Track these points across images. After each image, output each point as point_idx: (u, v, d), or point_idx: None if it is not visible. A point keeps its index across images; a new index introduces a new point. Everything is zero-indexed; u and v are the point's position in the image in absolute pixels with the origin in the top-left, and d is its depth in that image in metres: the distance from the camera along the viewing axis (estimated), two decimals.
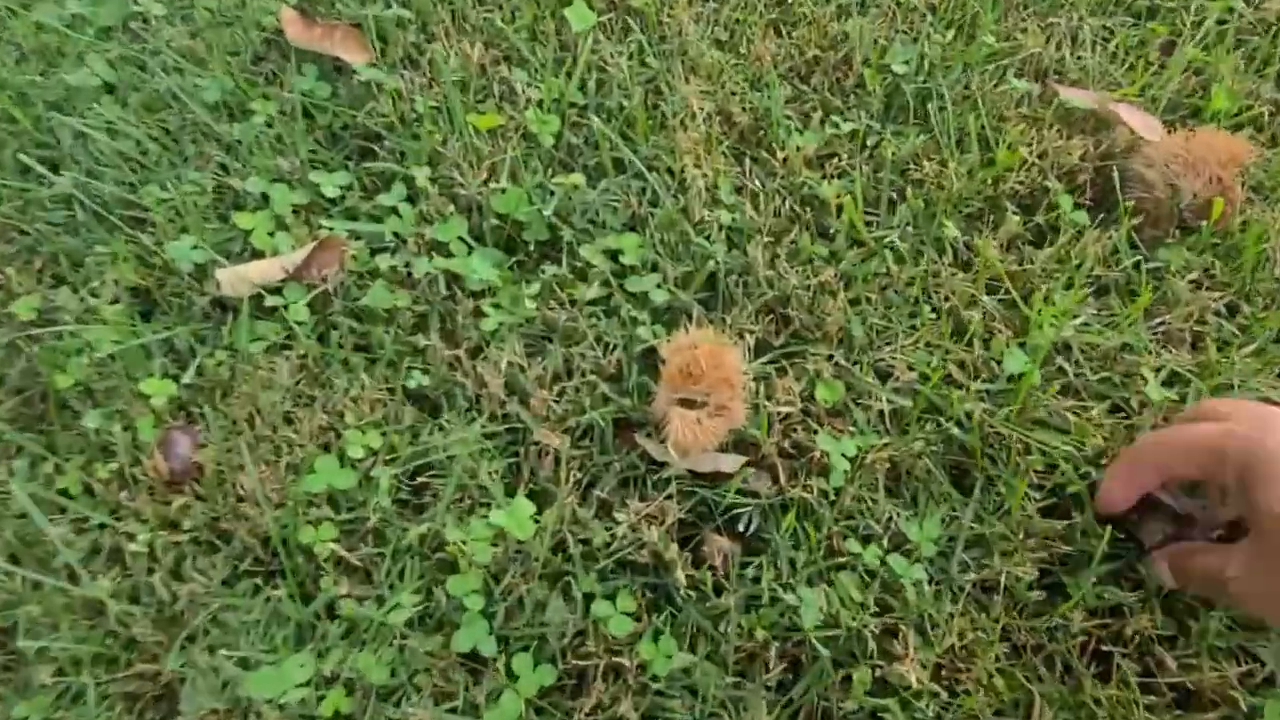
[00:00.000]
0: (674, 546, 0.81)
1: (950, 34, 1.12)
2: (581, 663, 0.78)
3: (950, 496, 0.85)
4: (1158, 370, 0.89)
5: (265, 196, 1.05)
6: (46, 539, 0.83)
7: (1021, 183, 1.00)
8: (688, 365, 0.81)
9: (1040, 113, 1.06)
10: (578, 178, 1.02)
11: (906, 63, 1.09)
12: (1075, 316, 0.91)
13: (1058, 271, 0.95)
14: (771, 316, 0.94)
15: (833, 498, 0.84)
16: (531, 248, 1.00)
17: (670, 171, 1.03)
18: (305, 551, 0.82)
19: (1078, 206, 0.99)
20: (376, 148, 1.08)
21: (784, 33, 1.15)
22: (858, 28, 1.11)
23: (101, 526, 0.84)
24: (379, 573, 0.82)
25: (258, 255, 1.00)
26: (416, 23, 1.17)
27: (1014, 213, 0.99)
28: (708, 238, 0.97)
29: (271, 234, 1.01)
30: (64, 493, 0.88)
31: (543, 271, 0.97)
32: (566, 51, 1.15)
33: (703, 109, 1.07)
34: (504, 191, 1.02)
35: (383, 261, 0.98)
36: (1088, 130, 1.06)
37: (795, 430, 0.87)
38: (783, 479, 0.85)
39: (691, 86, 1.09)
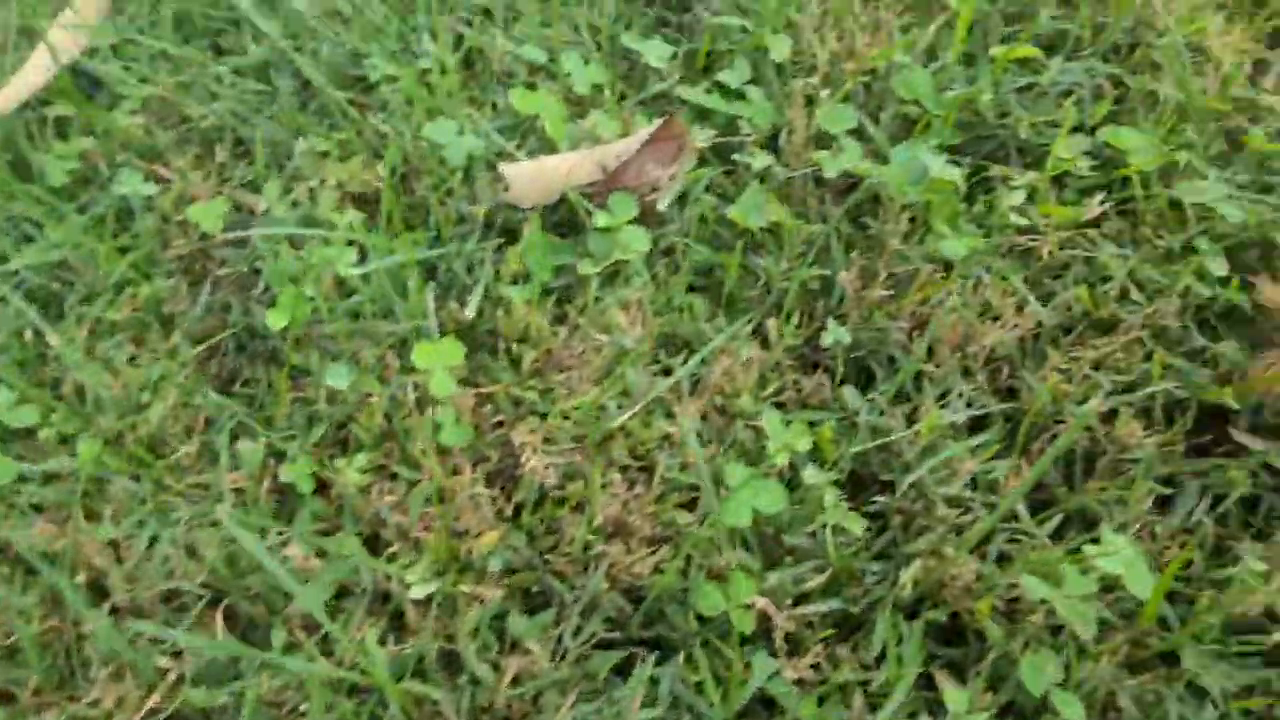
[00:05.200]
0: None
1: None
2: None
3: None
4: None
5: (536, 77, 0.73)
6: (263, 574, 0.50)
7: None
8: None
9: None
10: (1030, 49, 0.68)
11: None
12: None
13: None
14: None
15: None
16: (960, 151, 0.67)
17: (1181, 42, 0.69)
18: (716, 624, 0.48)
19: None
20: (694, 13, 0.75)
21: None
22: None
23: (350, 562, 0.51)
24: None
25: (546, 151, 0.68)
26: None
27: None
28: None
29: (565, 119, 0.68)
30: (286, 491, 0.55)
31: (1009, 180, 0.63)
32: None
33: None
34: (908, 69, 0.69)
35: (752, 159, 0.65)
36: None
37: None
38: None
39: None
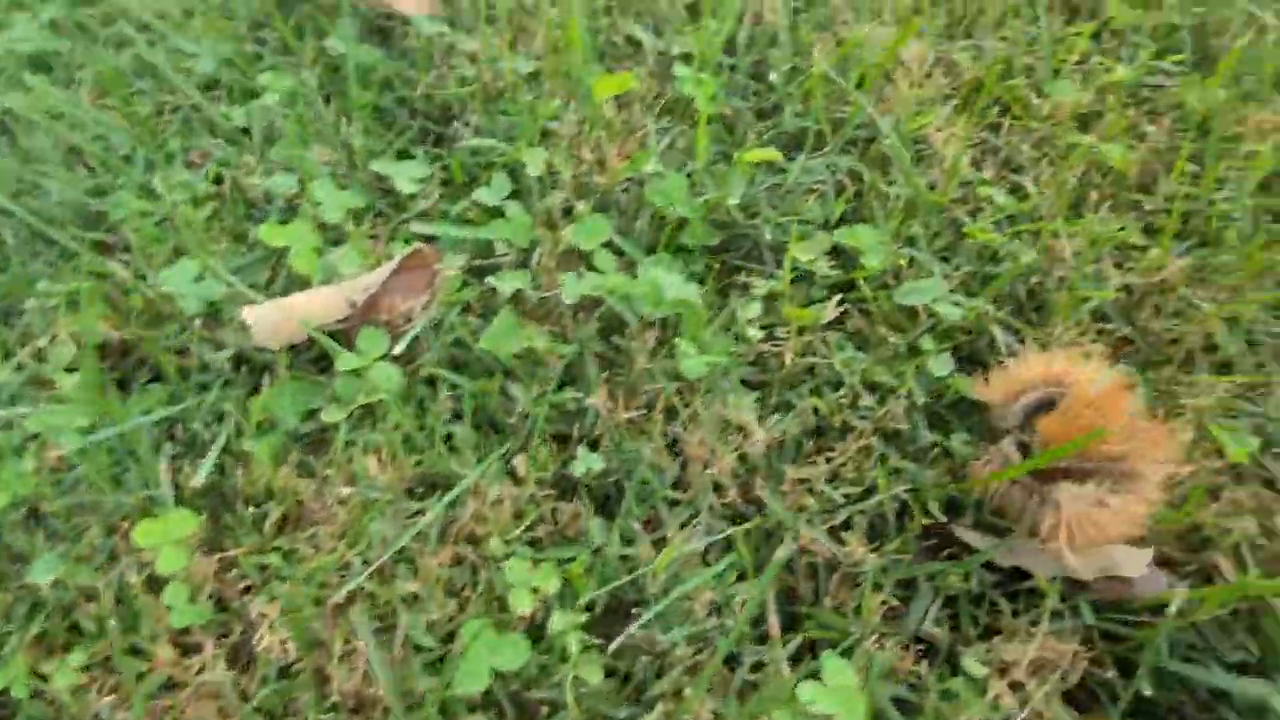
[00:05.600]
0: None
1: None
2: None
3: None
4: None
5: (299, 200, 0.71)
6: None
7: None
8: (1074, 419, 0.50)
9: None
10: (769, 152, 0.70)
11: None
12: None
13: None
14: (1103, 327, 0.64)
15: None
16: (717, 252, 0.68)
17: (893, 145, 0.73)
18: None
19: None
20: (455, 126, 0.75)
21: None
22: None
23: None
24: None
25: (300, 286, 0.66)
26: None
27: None
28: (983, 225, 0.66)
29: (320, 251, 0.67)
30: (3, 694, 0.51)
31: (750, 288, 0.65)
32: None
33: (915, 56, 0.77)
34: (661, 177, 0.70)
35: (503, 283, 0.64)
36: None
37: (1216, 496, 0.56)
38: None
39: (886, 29, 0.80)
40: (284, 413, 0.60)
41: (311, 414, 0.60)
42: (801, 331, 0.62)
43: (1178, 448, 0.54)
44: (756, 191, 0.71)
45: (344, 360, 0.60)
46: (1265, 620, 0.51)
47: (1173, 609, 0.48)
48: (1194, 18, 0.80)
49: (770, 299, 0.64)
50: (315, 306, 0.62)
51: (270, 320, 0.62)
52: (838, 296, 0.63)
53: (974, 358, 0.62)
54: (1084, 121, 0.75)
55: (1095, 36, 0.81)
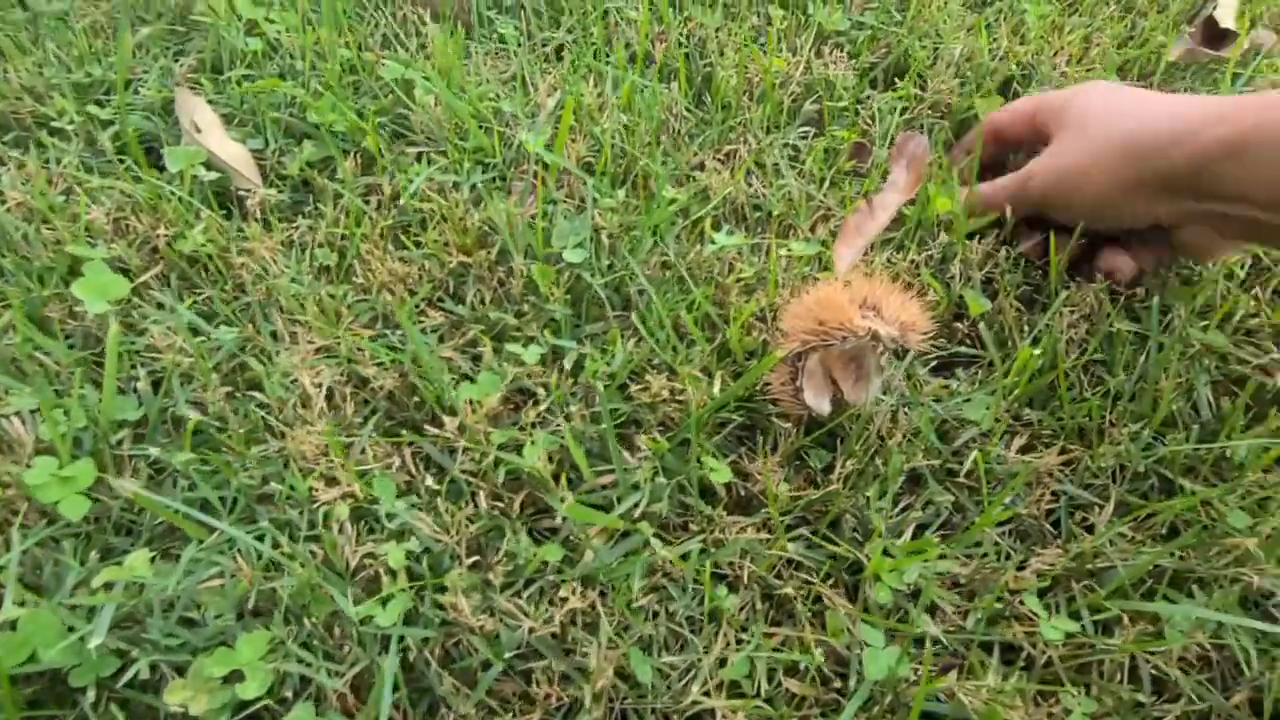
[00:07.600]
0: None
1: (621, 194, 0.87)
2: None
3: None
4: (1043, 595, 0.67)
5: None
6: None
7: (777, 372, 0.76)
8: None
9: (758, 265, 0.83)
10: (140, 560, 0.62)
11: (581, 244, 0.82)
12: (921, 554, 0.66)
13: (861, 486, 0.71)
14: (508, 702, 0.60)
15: None
16: (88, 706, 0.58)
17: (293, 502, 0.66)
18: None
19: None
20: None
21: (410, 241, 0.84)
22: (503, 213, 0.83)
23: None
24: None
25: None
26: None
27: (778, 417, 0.74)
28: (382, 600, 0.61)
29: None
30: None
31: None
32: (90, 349, 0.75)
33: (320, 383, 0.72)
34: (13, 628, 0.59)
35: None
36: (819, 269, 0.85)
37: None
38: None
39: (300, 349, 0.74)
40: None
41: None
42: None
43: None
44: (150, 598, 0.62)
45: None
46: None
47: None
48: (603, 274, 0.81)
49: None
50: None
51: None
52: None
53: None
54: (500, 418, 0.72)
55: (517, 314, 0.79)
